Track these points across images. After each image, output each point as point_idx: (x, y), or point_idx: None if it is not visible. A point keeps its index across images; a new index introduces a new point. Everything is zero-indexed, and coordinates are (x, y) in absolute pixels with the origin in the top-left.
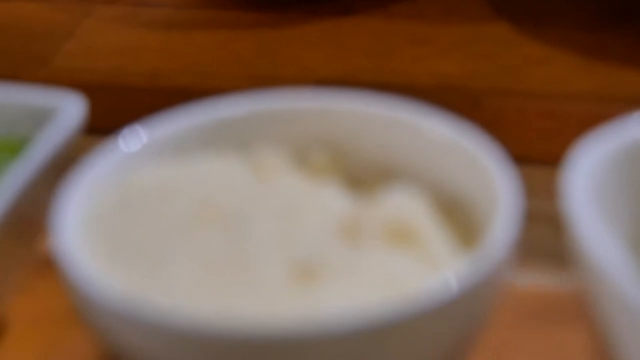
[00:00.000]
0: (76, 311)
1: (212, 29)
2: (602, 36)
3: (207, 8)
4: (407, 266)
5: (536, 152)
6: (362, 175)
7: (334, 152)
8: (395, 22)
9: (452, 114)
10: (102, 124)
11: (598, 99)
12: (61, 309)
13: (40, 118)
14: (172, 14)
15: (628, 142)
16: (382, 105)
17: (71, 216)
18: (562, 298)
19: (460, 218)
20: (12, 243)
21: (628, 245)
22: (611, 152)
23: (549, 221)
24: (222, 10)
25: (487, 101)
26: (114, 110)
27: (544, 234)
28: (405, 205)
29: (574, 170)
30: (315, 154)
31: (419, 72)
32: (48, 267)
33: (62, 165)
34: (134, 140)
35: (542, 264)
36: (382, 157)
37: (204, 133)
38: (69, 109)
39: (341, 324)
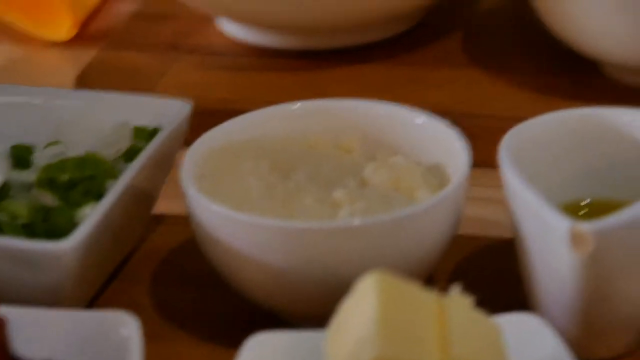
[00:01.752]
0: (193, 229)
1: (266, 71)
2: (550, 78)
3: (262, 56)
4: (399, 201)
5: (494, 157)
6: (374, 152)
7: (360, 137)
8: (400, 67)
9: None
10: (189, 138)
11: None
12: (168, 246)
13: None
14: (237, 60)
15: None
16: (390, 106)
17: (189, 168)
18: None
19: (437, 174)
20: (140, 197)
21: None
22: (531, 129)
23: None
24: (272, 57)
25: (464, 121)
26: (197, 127)
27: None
28: (402, 165)
29: (507, 142)
30: (346, 138)
31: (415, 102)
32: (159, 223)
33: (172, 153)
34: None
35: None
36: (387, 140)
37: (275, 118)
38: (182, 109)
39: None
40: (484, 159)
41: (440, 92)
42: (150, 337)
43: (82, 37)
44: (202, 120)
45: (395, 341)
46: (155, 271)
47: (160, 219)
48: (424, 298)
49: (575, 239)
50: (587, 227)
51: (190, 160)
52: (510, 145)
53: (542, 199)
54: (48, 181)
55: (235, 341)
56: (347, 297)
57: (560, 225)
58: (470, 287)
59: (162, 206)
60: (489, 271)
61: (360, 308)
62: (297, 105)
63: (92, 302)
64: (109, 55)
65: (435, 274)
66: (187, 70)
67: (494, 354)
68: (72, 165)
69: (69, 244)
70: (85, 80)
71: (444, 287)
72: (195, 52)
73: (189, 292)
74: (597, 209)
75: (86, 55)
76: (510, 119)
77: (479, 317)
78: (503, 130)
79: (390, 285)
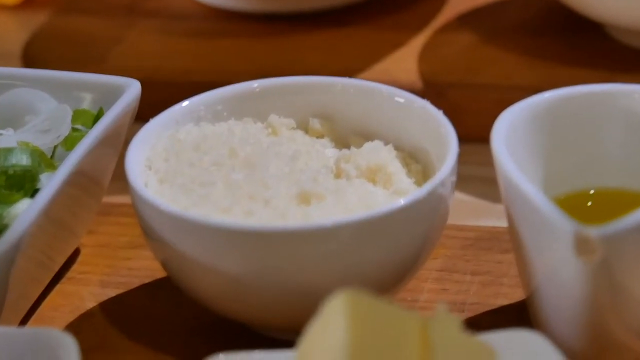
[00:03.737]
0: (141, 228)
1: (232, 37)
2: (541, 40)
3: (228, 20)
4: (377, 193)
5: (486, 132)
6: (347, 137)
7: (327, 120)
8: (381, 31)
9: None
10: (146, 113)
11: (536, 91)
12: (121, 241)
13: (110, 95)
14: (200, 25)
15: (534, 105)
16: (361, 83)
17: (135, 160)
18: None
19: (420, 160)
20: (83, 189)
21: (536, 181)
22: (522, 112)
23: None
24: (240, 22)
25: (450, 92)
26: (155, 101)
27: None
28: (380, 154)
29: (498, 124)
30: (313, 121)
31: (398, 71)
32: (109, 214)
33: (119, 137)
34: (175, 108)
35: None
36: (361, 124)
37: (229, 103)
38: (131, 89)
39: (325, 224)
40: (474, 133)
41: (426, 59)
42: (97, 348)
43: (32, 1)
44: (161, 93)
45: None
46: (105, 271)
47: (109, 208)
48: (404, 320)
49: (581, 246)
50: (594, 232)
51: (137, 150)
52: (505, 128)
53: (543, 197)
54: None
55: (195, 354)
56: (314, 318)
57: (564, 229)
58: (460, 287)
59: (113, 193)
60: (483, 266)
61: (329, 334)
62: (257, 84)
63: (34, 307)
64: (59, 21)
65: (421, 274)
66: (144, 36)
67: None
68: (1, 158)
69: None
70: (33, 48)
71: (432, 290)
72: (154, 17)
73: (142, 295)
74: (605, 200)
75: (36, 20)
76: (504, 88)
77: (468, 341)
78: (496, 102)
79: (361, 307)
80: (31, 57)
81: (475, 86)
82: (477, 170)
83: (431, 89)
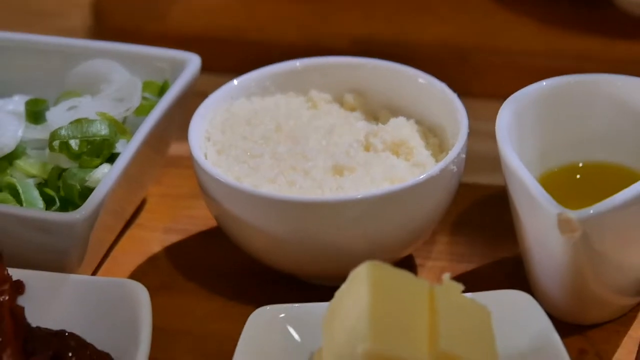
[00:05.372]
0: (201, 190)
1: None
2: (554, 7)
3: None
4: (400, 166)
5: (503, 91)
6: (376, 111)
7: (359, 95)
8: None
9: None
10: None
11: (549, 55)
12: (182, 192)
13: (175, 67)
14: None
15: (540, 91)
16: (389, 67)
17: (196, 133)
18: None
19: (437, 135)
20: (153, 150)
21: (535, 156)
22: (523, 98)
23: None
24: None
25: (472, 56)
26: (210, 55)
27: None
28: (403, 130)
29: (504, 108)
30: (347, 97)
31: (421, 34)
32: (173, 165)
33: (183, 106)
34: (231, 84)
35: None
36: (387, 101)
37: (276, 79)
38: (192, 63)
39: (354, 197)
40: (489, 91)
41: (448, 23)
42: (162, 288)
43: None
44: (215, 49)
45: (387, 335)
46: (168, 219)
47: (173, 160)
48: (415, 287)
49: (564, 225)
50: (575, 214)
51: (197, 123)
52: (508, 114)
53: (535, 182)
54: (61, 143)
55: (245, 297)
56: (344, 278)
57: (550, 211)
58: (470, 239)
59: (174, 148)
60: (489, 221)
61: (354, 297)
62: (299, 62)
63: (108, 251)
64: None
65: (436, 227)
66: None
67: (481, 340)
68: (84, 128)
69: (81, 215)
70: (100, 6)
71: (444, 242)
72: None
73: (202, 242)
74: (591, 172)
75: None
76: (517, 53)
77: (468, 304)
78: (510, 65)
79: (382, 277)
80: (100, 10)
81: (492, 51)
82: (492, 126)
83: (452, 53)
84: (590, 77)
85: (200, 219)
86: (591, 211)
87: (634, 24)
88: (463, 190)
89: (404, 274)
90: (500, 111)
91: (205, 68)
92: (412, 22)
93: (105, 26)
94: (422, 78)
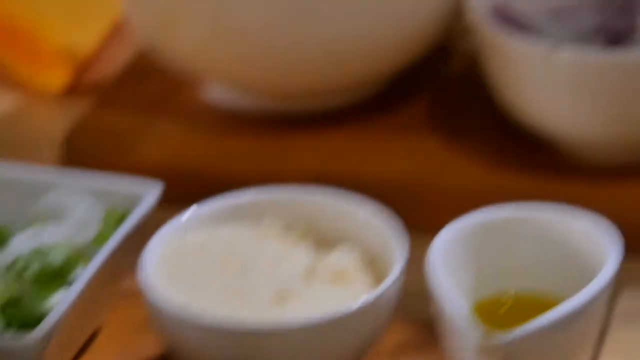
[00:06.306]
0: (149, 320)
1: (239, 137)
2: (500, 147)
3: (234, 120)
4: (340, 295)
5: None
6: (325, 239)
7: (309, 225)
8: (365, 134)
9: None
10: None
11: (494, 194)
12: (137, 321)
13: (134, 198)
14: (211, 126)
15: (473, 223)
16: (338, 198)
17: (149, 260)
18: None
19: (377, 266)
20: (108, 278)
21: (468, 285)
22: (455, 231)
23: None
24: (247, 123)
25: (421, 191)
26: (175, 186)
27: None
28: (344, 259)
29: (435, 242)
30: (297, 225)
31: (376, 170)
32: (129, 298)
33: (144, 229)
34: (186, 214)
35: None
36: (334, 230)
37: (229, 210)
38: (151, 194)
39: (294, 323)
40: (439, 225)
41: (402, 160)
42: None
43: (75, 89)
44: (177, 187)
45: None
46: (121, 348)
47: (130, 289)
48: None
49: (484, 349)
50: (495, 339)
51: (152, 251)
52: (440, 246)
53: (459, 307)
54: (21, 269)
55: None
56: None
57: (473, 335)
58: None
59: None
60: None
61: None
62: (252, 193)
63: None
64: (94, 114)
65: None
66: (167, 134)
67: None
68: (42, 256)
69: (35, 337)
70: (71, 140)
71: None
72: (175, 114)
73: None
74: (522, 299)
75: (78, 108)
76: (461, 192)
77: None
78: (455, 202)
79: None
80: (72, 146)
81: (440, 188)
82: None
83: (405, 188)
84: (520, 213)
85: (153, 349)
86: (511, 336)
87: (580, 170)
88: (397, 320)
89: None
90: (432, 244)
91: (171, 198)
92: (366, 158)
93: (74, 158)
94: (368, 209)
